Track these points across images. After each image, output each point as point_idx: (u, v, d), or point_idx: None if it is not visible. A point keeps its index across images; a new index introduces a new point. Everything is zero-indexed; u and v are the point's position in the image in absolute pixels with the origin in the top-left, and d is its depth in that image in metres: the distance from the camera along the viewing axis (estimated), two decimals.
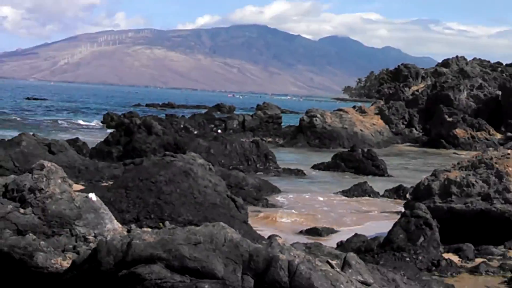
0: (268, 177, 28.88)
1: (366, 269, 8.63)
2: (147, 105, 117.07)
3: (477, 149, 46.74)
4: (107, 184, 18.15)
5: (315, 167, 34.62)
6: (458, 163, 18.59)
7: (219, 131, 55.92)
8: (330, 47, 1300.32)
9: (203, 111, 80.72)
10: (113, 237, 8.36)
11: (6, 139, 27.27)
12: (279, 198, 23.76)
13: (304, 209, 22.23)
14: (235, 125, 60.34)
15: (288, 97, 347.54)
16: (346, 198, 24.42)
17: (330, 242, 15.42)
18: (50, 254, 8.69)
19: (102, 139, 38.35)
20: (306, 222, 19.54)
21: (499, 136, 56.56)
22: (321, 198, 24.32)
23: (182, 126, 57.13)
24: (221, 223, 8.39)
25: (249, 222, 16.75)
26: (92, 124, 68.61)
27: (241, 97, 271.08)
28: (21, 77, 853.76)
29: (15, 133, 30.15)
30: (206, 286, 7.30)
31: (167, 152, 21.85)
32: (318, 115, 54.28)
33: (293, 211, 21.86)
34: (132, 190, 16.70)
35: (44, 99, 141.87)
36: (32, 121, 71.02)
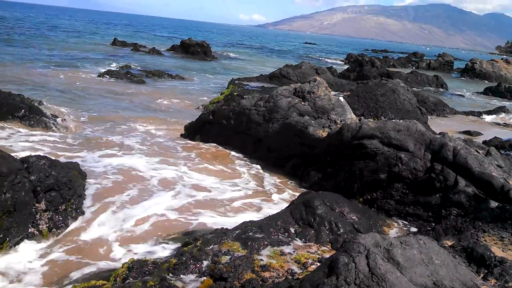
0: (442, 97, 26.68)
1: (500, 157, 7.98)
2: (371, 50, 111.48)
3: None
4: (347, 93, 17.98)
5: (473, 94, 32.03)
6: None
7: (414, 68, 53.11)
8: (490, 20, 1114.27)
9: (405, 55, 74.99)
10: (351, 122, 8.40)
11: (293, 64, 28.04)
12: (448, 111, 21.75)
13: (461, 118, 20.62)
14: (424, 65, 57.66)
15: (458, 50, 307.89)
16: (491, 115, 21.76)
17: (478, 140, 14.20)
18: (316, 128, 9.01)
19: (345, 68, 37.85)
20: (463, 126, 18.00)
21: None
22: (473, 116, 21.85)
23: (391, 63, 55.08)
24: (414, 120, 8.01)
25: (428, 123, 15.78)
26: (339, 59, 67.36)
27: (428, 48, 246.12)
28: (302, 31, 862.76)
29: (298, 61, 30.68)
30: (402, 155, 7.13)
31: (382, 78, 20.91)
32: (478, 62, 51.28)
33: (455, 118, 20.26)
34: (361, 98, 16.45)
35: (314, 44, 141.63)
36: (306, 55, 71.70)
